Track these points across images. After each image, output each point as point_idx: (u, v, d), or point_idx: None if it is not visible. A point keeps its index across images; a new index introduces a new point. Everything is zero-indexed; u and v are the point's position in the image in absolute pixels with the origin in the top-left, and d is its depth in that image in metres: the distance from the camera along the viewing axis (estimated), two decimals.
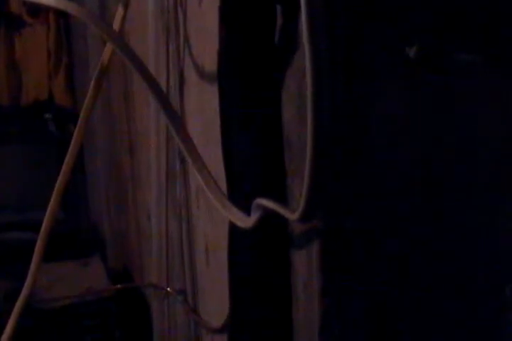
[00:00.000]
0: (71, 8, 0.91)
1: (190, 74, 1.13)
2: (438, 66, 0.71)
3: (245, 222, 0.72)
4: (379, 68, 0.69)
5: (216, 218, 1.05)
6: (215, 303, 1.14)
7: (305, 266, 0.73)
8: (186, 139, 0.82)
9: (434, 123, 0.72)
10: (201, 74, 1.06)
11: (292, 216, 0.59)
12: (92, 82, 1.04)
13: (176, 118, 0.81)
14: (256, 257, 0.80)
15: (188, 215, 1.26)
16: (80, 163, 3.04)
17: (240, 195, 0.79)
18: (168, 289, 1.36)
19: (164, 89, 1.27)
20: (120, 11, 1.04)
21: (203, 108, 1.06)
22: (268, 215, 0.69)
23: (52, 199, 1.07)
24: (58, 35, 3.19)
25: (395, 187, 0.71)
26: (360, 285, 0.71)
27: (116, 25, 1.03)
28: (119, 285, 1.65)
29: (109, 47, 1.01)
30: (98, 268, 1.94)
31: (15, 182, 2.96)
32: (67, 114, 3.04)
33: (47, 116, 2.90)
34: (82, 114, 1.05)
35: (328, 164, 0.62)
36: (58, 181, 1.07)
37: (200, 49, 1.08)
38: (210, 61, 1.01)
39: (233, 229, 0.81)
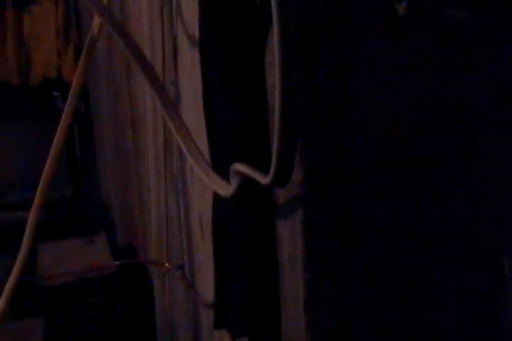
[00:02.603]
0: None
1: (183, 44, 1.10)
2: (428, 23, 0.67)
3: (226, 189, 0.69)
4: (365, 26, 0.65)
5: (206, 191, 1.02)
6: (210, 278, 1.12)
7: (289, 236, 0.71)
8: (169, 106, 0.79)
9: (423, 85, 0.69)
10: (192, 42, 1.03)
11: (265, 180, 0.56)
12: (82, 54, 1.02)
13: (158, 83, 0.78)
14: (241, 227, 0.77)
15: (184, 190, 1.23)
16: (90, 141, 3.03)
17: (224, 163, 0.76)
18: (167, 265, 1.33)
19: (160, 59, 1.25)
20: None
21: (194, 77, 1.03)
22: (250, 183, 0.66)
23: (46, 165, 1.04)
24: (67, 13, 3.17)
25: (377, 156, 0.68)
26: (343, 256, 0.68)
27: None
28: (117, 262, 1.63)
29: (97, 18, 0.99)
30: (103, 245, 1.92)
31: (23, 159, 2.95)
32: None
33: (55, 93, 2.88)
34: (72, 88, 1.03)
35: (304, 127, 0.59)
36: (52, 150, 1.04)
37: (192, 18, 1.05)
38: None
39: (217, 198, 0.78)
